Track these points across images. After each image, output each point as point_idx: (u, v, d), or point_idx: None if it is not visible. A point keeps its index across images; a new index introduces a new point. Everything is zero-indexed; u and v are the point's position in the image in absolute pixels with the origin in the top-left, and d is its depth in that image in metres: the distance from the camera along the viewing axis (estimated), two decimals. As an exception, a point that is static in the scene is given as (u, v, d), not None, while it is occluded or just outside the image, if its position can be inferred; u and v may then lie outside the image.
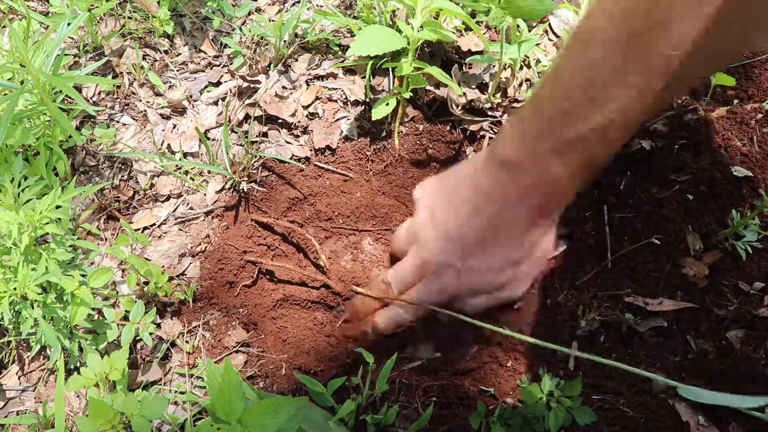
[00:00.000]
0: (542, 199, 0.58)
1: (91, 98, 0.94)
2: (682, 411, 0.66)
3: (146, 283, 0.75)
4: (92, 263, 0.80)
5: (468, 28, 0.92)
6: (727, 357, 0.71)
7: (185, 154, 0.88)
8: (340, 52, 0.95)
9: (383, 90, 0.90)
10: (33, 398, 0.74)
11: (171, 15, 0.99)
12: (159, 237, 0.82)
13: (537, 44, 0.91)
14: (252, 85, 0.92)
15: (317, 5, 1.00)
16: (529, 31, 0.90)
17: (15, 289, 0.65)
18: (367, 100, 0.89)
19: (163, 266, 0.79)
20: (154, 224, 0.83)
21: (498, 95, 0.89)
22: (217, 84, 0.94)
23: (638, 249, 0.79)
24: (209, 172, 0.85)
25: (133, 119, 0.92)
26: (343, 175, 0.88)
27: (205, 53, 0.98)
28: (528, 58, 0.91)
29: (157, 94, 0.94)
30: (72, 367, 0.73)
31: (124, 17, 0.99)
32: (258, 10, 1.01)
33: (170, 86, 0.95)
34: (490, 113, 0.89)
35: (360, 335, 0.77)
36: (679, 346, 0.74)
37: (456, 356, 0.76)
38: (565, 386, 0.67)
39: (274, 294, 0.81)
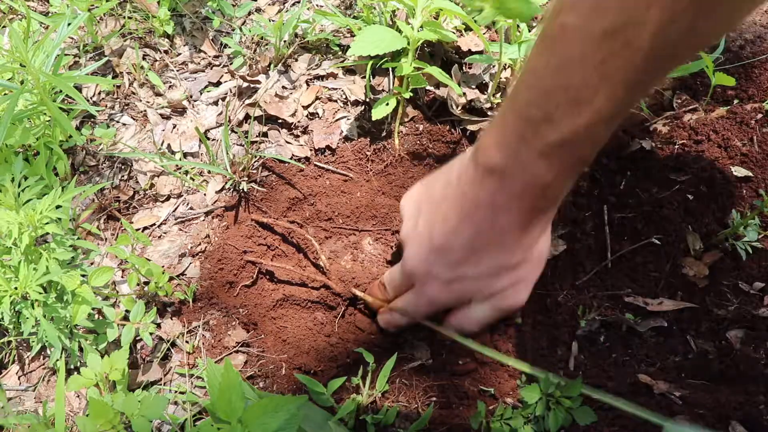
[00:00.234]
0: (533, 202, 0.57)
1: (91, 98, 0.94)
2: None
3: (146, 283, 0.75)
4: (92, 263, 0.80)
5: (468, 28, 0.92)
6: (727, 357, 0.71)
7: (185, 154, 0.88)
8: (340, 52, 0.95)
9: (383, 90, 0.91)
10: (33, 398, 0.74)
11: (171, 15, 0.99)
12: (159, 237, 0.82)
13: (537, 44, 0.90)
14: (252, 85, 0.92)
15: (317, 5, 1.00)
16: (529, 31, 0.90)
17: (16, 288, 0.65)
18: (367, 100, 0.89)
19: (163, 266, 0.79)
20: (154, 224, 0.83)
21: (498, 95, 0.89)
22: (217, 84, 0.94)
23: (638, 249, 0.79)
24: (209, 172, 0.85)
25: (133, 119, 0.92)
26: (343, 175, 0.88)
27: (205, 53, 0.98)
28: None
29: (157, 94, 0.94)
30: (72, 367, 0.73)
31: (124, 17, 0.99)
32: (258, 10, 1.01)
33: (170, 86, 0.95)
34: (489, 113, 0.89)
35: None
36: (679, 346, 0.74)
37: (451, 359, 0.76)
38: (565, 387, 0.67)
39: (274, 294, 0.81)
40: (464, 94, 0.87)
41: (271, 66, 0.94)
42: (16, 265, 0.66)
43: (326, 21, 0.96)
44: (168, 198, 0.85)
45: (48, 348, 0.74)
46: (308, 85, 0.92)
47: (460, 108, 0.88)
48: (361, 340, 0.78)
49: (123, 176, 0.87)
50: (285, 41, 0.94)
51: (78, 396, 0.73)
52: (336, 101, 0.91)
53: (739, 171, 0.81)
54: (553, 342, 0.76)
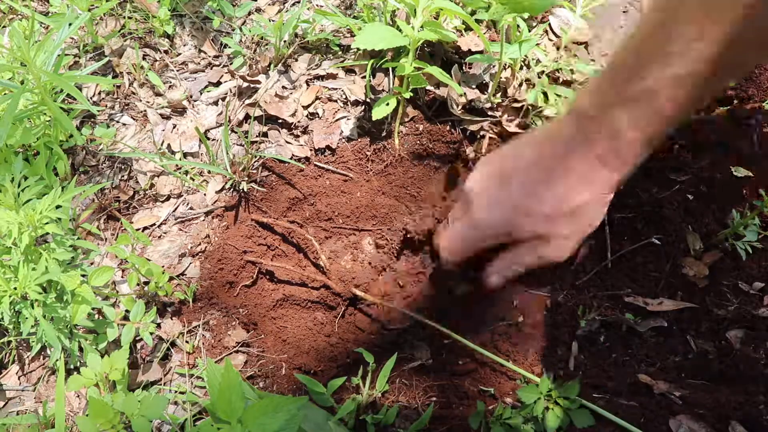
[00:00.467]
0: (606, 151, 0.58)
1: (91, 98, 0.94)
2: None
3: (146, 283, 0.75)
4: (92, 263, 0.80)
5: (468, 28, 0.92)
6: (727, 357, 0.71)
7: (185, 154, 0.88)
8: (340, 52, 0.95)
9: (383, 90, 0.91)
10: (33, 398, 0.74)
11: (171, 15, 0.99)
12: (159, 237, 0.82)
13: (537, 44, 0.91)
14: (252, 85, 0.92)
15: (317, 5, 1.00)
16: (529, 31, 0.90)
17: (15, 288, 0.65)
18: (367, 100, 0.89)
19: (163, 266, 0.79)
20: (154, 224, 0.83)
21: (498, 95, 0.89)
22: (217, 84, 0.94)
23: (638, 249, 0.79)
24: (209, 172, 0.85)
25: (133, 119, 0.92)
26: (343, 175, 0.88)
27: (205, 53, 0.98)
28: (528, 58, 0.91)
29: (157, 94, 0.94)
30: (72, 366, 0.73)
31: (124, 17, 0.99)
32: (258, 10, 1.01)
33: (170, 86, 0.95)
34: (490, 113, 0.89)
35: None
36: (679, 346, 0.74)
37: (451, 359, 0.76)
38: (563, 387, 0.67)
39: (274, 294, 0.81)
40: (464, 93, 0.87)
41: (271, 66, 0.94)
42: (16, 265, 0.66)
43: (326, 21, 0.96)
44: (168, 198, 0.85)
45: (48, 348, 0.74)
46: (308, 85, 0.92)
47: (460, 108, 0.88)
48: (361, 340, 0.78)
49: (123, 176, 0.87)
50: (285, 41, 0.94)
51: (78, 396, 0.73)
52: (336, 101, 0.91)
53: (739, 171, 0.81)
54: (553, 342, 0.76)
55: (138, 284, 0.73)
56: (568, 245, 0.64)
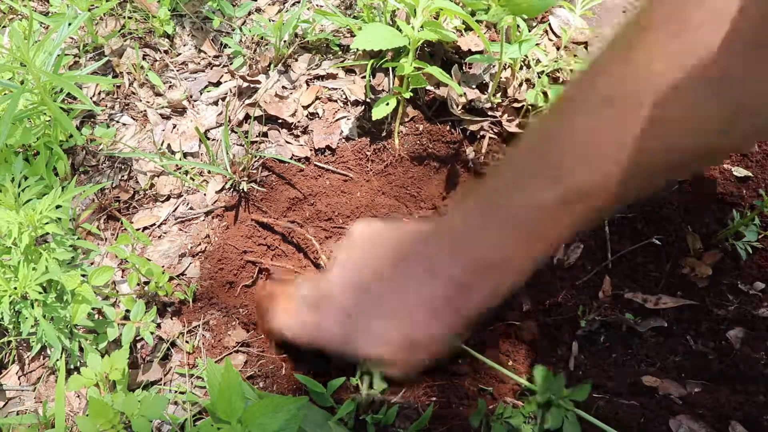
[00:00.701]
0: (461, 283, 0.51)
1: (91, 98, 0.94)
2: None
3: (146, 283, 0.75)
4: (92, 263, 0.80)
5: (468, 28, 0.92)
6: (727, 357, 0.71)
7: (185, 154, 0.88)
8: (340, 52, 0.95)
9: (383, 90, 0.91)
10: (33, 398, 0.74)
11: (171, 15, 0.99)
12: (159, 237, 0.82)
13: (537, 44, 0.91)
14: (252, 85, 0.92)
15: (317, 5, 1.00)
16: (529, 31, 0.90)
17: (15, 288, 0.65)
18: (367, 100, 0.89)
19: (163, 266, 0.79)
20: (154, 224, 0.83)
21: (498, 95, 0.89)
22: (217, 84, 0.94)
23: (638, 249, 0.79)
24: (209, 172, 0.85)
25: (133, 119, 0.92)
26: (343, 175, 0.88)
27: (205, 53, 0.98)
28: (528, 58, 0.91)
29: (157, 94, 0.94)
30: (72, 366, 0.73)
31: (124, 17, 0.99)
32: (258, 10, 1.01)
33: (170, 86, 0.95)
34: (490, 113, 0.89)
35: None
36: (679, 346, 0.74)
37: (451, 359, 0.75)
38: (574, 390, 0.66)
39: (274, 294, 0.81)
40: (464, 93, 0.87)
41: (271, 66, 0.94)
42: (16, 264, 0.66)
43: (326, 21, 0.96)
44: (168, 198, 0.85)
45: (48, 348, 0.74)
46: (308, 85, 0.92)
47: (460, 108, 0.88)
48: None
49: (123, 176, 0.87)
50: (285, 41, 0.94)
51: (78, 396, 0.73)
52: (336, 101, 0.91)
53: (739, 171, 0.81)
54: (553, 342, 0.76)
55: (138, 284, 0.73)
56: (408, 367, 0.58)
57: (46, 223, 0.68)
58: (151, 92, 0.94)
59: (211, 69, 0.96)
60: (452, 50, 0.92)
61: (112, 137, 0.89)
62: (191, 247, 0.81)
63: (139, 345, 0.75)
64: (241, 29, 0.98)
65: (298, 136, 0.89)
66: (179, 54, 0.98)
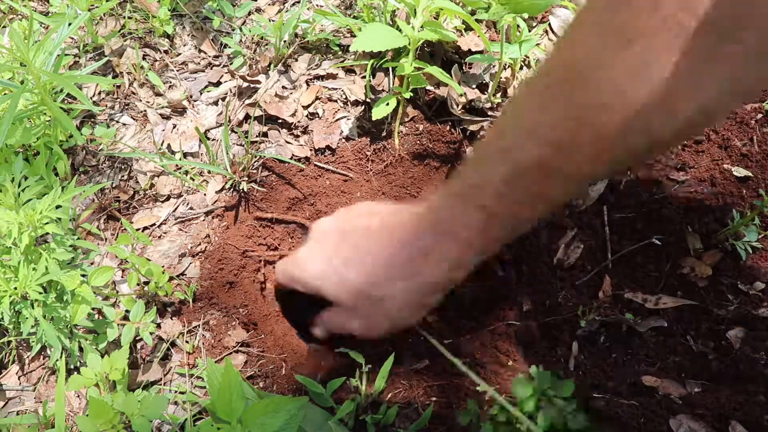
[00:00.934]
0: (435, 251, 0.54)
1: (91, 98, 0.94)
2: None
3: (146, 283, 0.75)
4: (92, 263, 0.80)
5: (468, 28, 0.92)
6: (727, 357, 0.71)
7: (185, 154, 0.88)
8: (340, 52, 0.95)
9: (383, 90, 0.91)
10: (33, 398, 0.74)
11: (171, 15, 0.99)
12: (159, 237, 0.82)
13: (537, 44, 0.91)
14: (252, 85, 0.92)
15: (317, 5, 1.00)
16: (530, 30, 0.90)
17: (15, 288, 0.65)
18: (367, 100, 0.89)
19: (163, 266, 0.79)
20: (154, 224, 0.83)
21: (498, 95, 0.89)
22: (217, 84, 0.94)
23: (638, 249, 0.79)
24: (209, 172, 0.85)
25: (133, 119, 0.92)
26: (343, 175, 0.88)
27: (205, 53, 0.98)
28: (528, 57, 0.91)
29: (157, 94, 0.94)
30: (72, 366, 0.73)
31: (124, 17, 0.99)
32: (258, 10, 1.01)
33: (170, 86, 0.95)
34: (490, 113, 0.89)
35: None
36: (679, 346, 0.74)
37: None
38: (558, 386, 0.66)
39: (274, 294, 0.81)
40: (464, 93, 0.87)
41: (271, 66, 0.94)
42: (16, 265, 0.66)
43: (326, 21, 0.96)
44: (168, 198, 0.85)
45: (48, 348, 0.74)
46: (308, 85, 0.92)
47: (460, 108, 0.88)
48: (361, 339, 0.78)
49: (123, 176, 0.87)
50: (285, 41, 0.94)
51: (78, 396, 0.73)
52: (336, 101, 0.91)
53: (739, 171, 0.81)
54: (553, 342, 0.76)
55: (138, 284, 0.73)
56: (373, 328, 0.60)
57: (46, 223, 0.68)
58: (151, 92, 0.94)
59: (211, 69, 0.96)
60: (452, 50, 0.92)
61: (112, 137, 0.89)
62: (191, 247, 0.81)
63: (139, 345, 0.75)
64: (241, 29, 0.98)
65: (298, 136, 0.89)
66: (179, 54, 0.98)
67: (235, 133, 0.88)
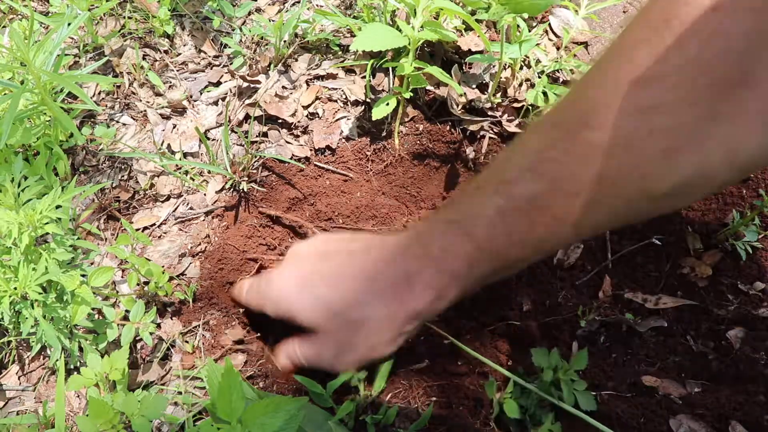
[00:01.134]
0: (420, 277, 0.53)
1: (91, 98, 0.93)
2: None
3: (146, 283, 0.75)
4: (92, 263, 0.80)
5: (468, 28, 0.92)
6: (727, 357, 0.71)
7: (185, 154, 0.88)
8: (340, 52, 0.95)
9: (383, 90, 0.91)
10: (33, 398, 0.74)
11: (171, 15, 0.99)
12: (159, 237, 0.82)
13: (537, 44, 0.91)
14: (252, 85, 0.92)
15: (317, 5, 1.00)
16: (530, 30, 0.90)
17: (15, 288, 0.64)
18: (367, 100, 0.89)
19: (163, 266, 0.79)
20: (154, 224, 0.83)
21: (498, 95, 0.89)
22: (217, 84, 0.94)
23: (638, 249, 0.79)
24: (209, 172, 0.85)
25: (133, 119, 0.92)
26: (343, 175, 0.88)
27: (205, 53, 0.98)
28: (528, 57, 0.91)
29: (157, 94, 0.94)
30: (72, 366, 0.73)
31: (124, 17, 0.99)
32: (258, 10, 1.01)
33: (170, 86, 0.95)
34: (490, 113, 0.89)
35: None
36: (679, 346, 0.74)
37: (451, 359, 0.75)
38: (572, 361, 0.66)
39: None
40: (464, 93, 0.87)
41: (271, 66, 0.94)
42: (16, 265, 0.66)
43: (326, 21, 0.96)
44: (168, 198, 0.85)
45: (48, 348, 0.74)
46: (308, 85, 0.92)
47: (460, 108, 0.88)
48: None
49: (123, 176, 0.87)
50: (285, 41, 0.94)
51: (78, 396, 0.73)
52: (336, 101, 0.91)
53: (739, 171, 0.81)
54: (553, 342, 0.76)
55: (138, 284, 0.73)
56: (344, 358, 0.58)
57: (46, 223, 0.68)
58: (151, 92, 0.94)
59: (211, 69, 0.96)
60: (452, 50, 0.92)
61: (112, 137, 0.89)
62: (191, 247, 0.81)
63: (138, 345, 0.75)
64: (241, 29, 0.98)
65: (298, 136, 0.89)
66: (179, 54, 0.98)
67: (235, 133, 0.88)
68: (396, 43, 0.74)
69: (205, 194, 0.85)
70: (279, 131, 0.89)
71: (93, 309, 0.71)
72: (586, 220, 0.45)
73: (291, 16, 0.92)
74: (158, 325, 0.76)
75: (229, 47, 0.96)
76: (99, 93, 0.94)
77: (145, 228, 0.83)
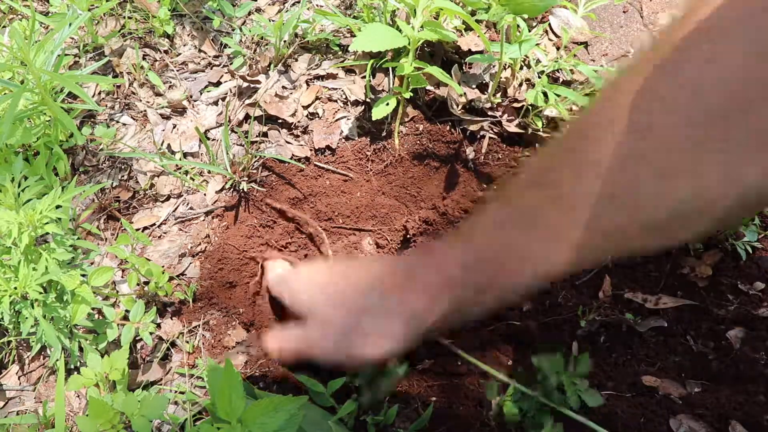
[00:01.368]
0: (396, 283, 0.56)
1: (91, 98, 0.93)
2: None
3: (146, 283, 0.75)
4: (92, 263, 0.80)
5: (468, 28, 0.92)
6: (727, 357, 0.71)
7: (185, 154, 0.88)
8: (340, 52, 0.95)
9: (383, 90, 0.91)
10: (33, 398, 0.74)
11: (171, 15, 0.99)
12: (159, 237, 0.82)
13: (537, 44, 0.91)
14: (252, 85, 0.92)
15: (317, 5, 1.00)
16: (529, 31, 0.90)
17: (15, 288, 0.64)
18: (367, 100, 0.89)
19: (163, 266, 0.79)
20: (154, 224, 0.83)
21: (498, 95, 0.89)
22: (217, 84, 0.94)
23: (638, 249, 0.79)
24: (209, 172, 0.85)
25: (133, 119, 0.92)
26: (343, 175, 0.88)
27: (205, 53, 0.98)
28: (528, 57, 0.91)
29: (157, 94, 0.94)
30: (72, 366, 0.73)
31: (124, 17, 0.99)
32: (258, 10, 1.01)
33: (170, 86, 0.95)
34: (490, 113, 0.89)
35: None
36: (679, 346, 0.74)
37: (451, 360, 0.75)
38: (576, 363, 0.66)
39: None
40: (464, 93, 0.87)
41: (271, 66, 0.94)
42: (16, 264, 0.66)
43: (326, 21, 0.96)
44: (168, 198, 0.85)
45: (48, 348, 0.74)
46: (308, 85, 0.92)
47: (460, 108, 0.88)
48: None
49: (123, 176, 0.87)
50: (285, 41, 0.94)
51: (78, 396, 0.73)
52: (336, 101, 0.91)
53: (739, 171, 0.81)
54: (555, 344, 0.76)
55: (138, 284, 0.73)
56: (337, 348, 0.60)
57: (46, 223, 0.68)
58: (151, 92, 0.94)
59: (211, 69, 0.96)
60: (452, 50, 0.92)
61: (112, 137, 0.89)
62: (191, 247, 0.81)
63: (139, 345, 0.75)
64: (241, 29, 0.98)
65: (298, 136, 0.89)
66: (179, 54, 0.98)
67: (235, 133, 0.88)
68: (396, 43, 0.74)
69: (205, 194, 0.85)
70: (279, 131, 0.89)
71: (93, 309, 0.71)
72: (581, 239, 0.44)
73: (291, 16, 0.92)
74: (158, 325, 0.76)
75: (229, 47, 0.96)
76: (99, 93, 0.94)
77: (145, 228, 0.83)
